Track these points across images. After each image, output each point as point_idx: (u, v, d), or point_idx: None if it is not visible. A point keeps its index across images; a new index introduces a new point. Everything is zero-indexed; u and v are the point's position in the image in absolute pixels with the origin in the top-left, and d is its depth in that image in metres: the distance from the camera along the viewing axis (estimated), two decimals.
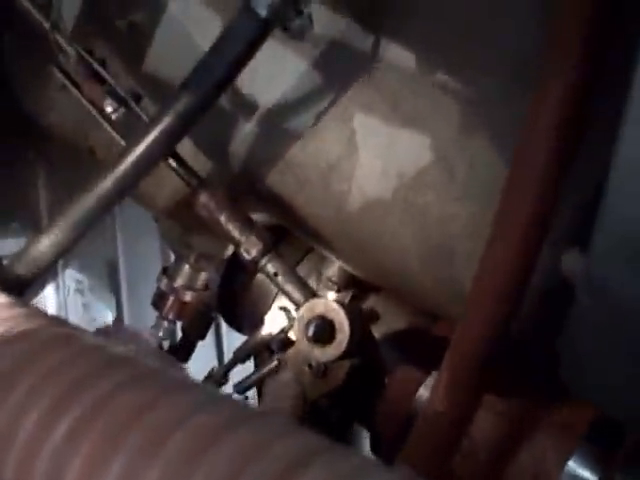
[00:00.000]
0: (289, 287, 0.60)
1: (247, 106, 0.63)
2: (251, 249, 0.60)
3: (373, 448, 0.78)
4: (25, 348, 0.37)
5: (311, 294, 0.60)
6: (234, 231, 0.61)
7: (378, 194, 0.60)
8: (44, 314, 0.43)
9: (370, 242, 0.62)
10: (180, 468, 0.31)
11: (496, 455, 0.65)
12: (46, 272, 0.58)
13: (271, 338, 0.78)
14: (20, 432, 0.33)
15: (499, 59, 0.56)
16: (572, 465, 0.64)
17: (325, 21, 0.58)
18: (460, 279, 0.58)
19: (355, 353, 0.60)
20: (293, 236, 0.77)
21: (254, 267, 0.61)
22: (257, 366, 0.85)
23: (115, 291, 1.06)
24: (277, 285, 0.60)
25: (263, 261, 0.60)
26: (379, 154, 0.59)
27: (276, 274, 0.60)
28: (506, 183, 0.48)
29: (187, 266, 0.79)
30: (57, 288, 1.00)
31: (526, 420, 0.66)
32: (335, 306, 0.58)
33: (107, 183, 0.56)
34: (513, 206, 0.48)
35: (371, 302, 0.78)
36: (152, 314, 0.87)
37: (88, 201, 0.56)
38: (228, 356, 1.22)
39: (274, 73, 0.61)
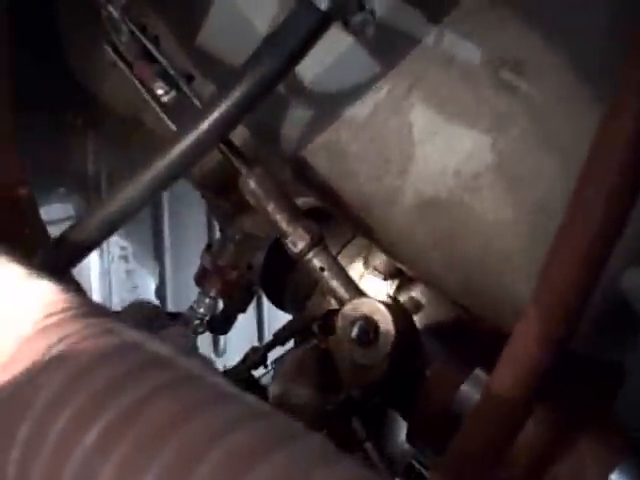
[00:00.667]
0: (334, 283, 0.58)
1: (301, 90, 0.61)
2: (298, 242, 0.59)
3: (409, 438, 0.77)
4: (57, 342, 0.35)
5: (357, 292, 0.58)
6: (281, 222, 0.59)
7: (433, 193, 0.58)
8: (83, 301, 0.41)
9: (420, 240, 0.60)
10: None
11: (536, 462, 0.63)
12: (94, 248, 0.58)
13: (313, 322, 0.77)
14: (49, 435, 0.32)
15: (571, 59, 0.53)
16: (615, 479, 0.63)
17: (388, 8, 0.55)
18: (514, 289, 0.55)
19: (398, 354, 0.59)
20: (340, 219, 0.75)
21: (300, 260, 0.59)
22: (297, 346, 0.85)
23: (159, 259, 1.06)
24: (323, 280, 0.59)
25: (309, 255, 0.59)
26: (437, 150, 0.57)
27: (322, 269, 0.59)
28: (573, 197, 0.46)
29: (232, 245, 0.78)
30: (101, 254, 1.01)
31: (569, 429, 0.64)
32: (381, 308, 0.56)
33: (156, 169, 0.54)
34: (577, 222, 0.45)
35: (415, 292, 0.76)
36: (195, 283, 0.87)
37: (137, 185, 0.55)
38: (268, 326, 1.22)
39: (331, 58, 0.58)
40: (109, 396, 0.32)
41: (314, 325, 0.79)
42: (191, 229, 1.07)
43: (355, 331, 0.55)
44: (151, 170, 0.55)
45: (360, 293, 0.58)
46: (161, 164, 0.54)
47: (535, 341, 0.47)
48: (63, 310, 0.38)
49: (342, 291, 0.58)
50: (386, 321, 0.56)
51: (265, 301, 1.15)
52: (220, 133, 0.55)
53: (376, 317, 0.56)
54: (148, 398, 0.32)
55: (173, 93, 0.57)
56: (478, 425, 0.49)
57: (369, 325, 0.56)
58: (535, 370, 0.47)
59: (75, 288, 0.65)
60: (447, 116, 0.56)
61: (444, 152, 0.57)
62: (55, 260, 0.58)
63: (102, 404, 0.32)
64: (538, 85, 0.55)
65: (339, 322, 0.57)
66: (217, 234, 1.04)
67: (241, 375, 0.78)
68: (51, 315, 0.37)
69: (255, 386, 0.81)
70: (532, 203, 0.54)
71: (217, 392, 0.34)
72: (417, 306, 0.76)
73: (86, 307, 0.38)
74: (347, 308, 0.57)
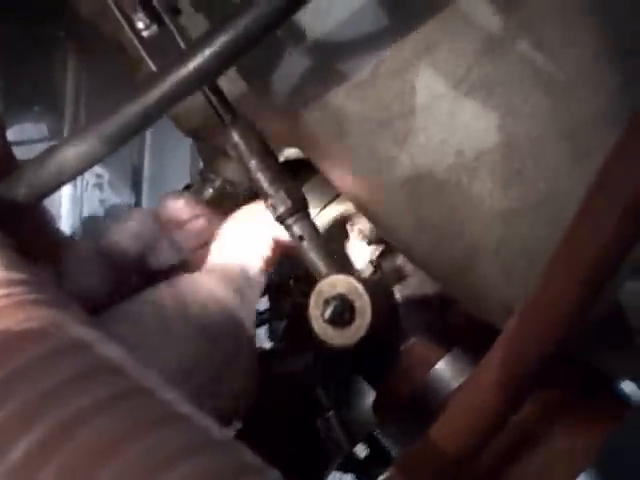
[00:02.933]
0: (313, 255, 0.54)
1: (298, 37, 0.55)
2: (278, 206, 0.54)
3: (374, 409, 0.75)
4: None
5: (335, 268, 0.54)
6: (263, 182, 0.55)
7: (429, 168, 0.53)
8: (33, 282, 0.36)
9: (407, 215, 0.56)
10: None
11: (500, 457, 0.61)
12: (68, 182, 0.53)
13: (290, 279, 0.73)
14: None
15: (596, 42, 0.47)
16: None
17: None
18: (501, 286, 0.51)
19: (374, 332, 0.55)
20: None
21: (280, 224, 0.55)
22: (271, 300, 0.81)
23: (136, 192, 1.01)
24: (300, 250, 0.54)
25: (289, 221, 0.54)
26: (439, 123, 0.52)
27: (301, 237, 0.54)
28: (585, 200, 0.41)
29: (210, 189, 0.73)
30: (75, 180, 0.95)
31: (540, 427, 0.61)
32: (360, 288, 0.52)
33: (133, 109, 0.49)
34: (587, 229, 0.41)
35: (400, 260, 0.72)
36: None
37: (115, 121, 0.49)
38: None
39: (339, 9, 0.53)
40: (42, 407, 0.28)
41: (291, 282, 0.75)
42: (173, 163, 1.01)
43: (329, 311, 0.51)
44: (126, 110, 0.50)
45: (338, 269, 0.54)
46: (135, 107, 0.49)
47: (523, 350, 0.43)
48: (6, 295, 0.33)
49: (320, 265, 0.54)
50: (363, 302, 0.52)
51: None
52: (203, 80, 0.50)
53: (353, 297, 0.52)
54: (86, 414, 0.28)
55: (155, 28, 0.51)
56: (450, 430, 0.46)
57: (344, 305, 0.51)
58: (523, 379, 0.44)
59: (44, 222, 0.60)
60: (455, 88, 0.51)
61: (447, 127, 0.52)
62: (21, 191, 0.53)
63: (33, 416, 0.28)
64: (567, 66, 0.49)
65: (312, 299, 0.52)
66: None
67: None
68: None
69: None
70: (535, 196, 0.49)
71: (166, 413, 0.30)
72: (400, 275, 0.72)
73: (35, 292, 0.34)
74: (322, 284, 0.53)
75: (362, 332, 0.51)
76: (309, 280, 0.72)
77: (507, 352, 0.45)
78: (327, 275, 0.53)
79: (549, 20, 0.50)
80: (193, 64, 0.48)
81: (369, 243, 0.71)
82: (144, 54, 0.53)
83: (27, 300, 0.34)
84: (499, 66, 0.50)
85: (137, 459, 0.27)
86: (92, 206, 0.98)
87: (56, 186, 0.52)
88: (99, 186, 0.97)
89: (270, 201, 0.54)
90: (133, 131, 0.49)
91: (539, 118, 0.50)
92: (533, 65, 0.49)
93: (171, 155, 1.01)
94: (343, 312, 0.51)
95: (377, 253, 0.72)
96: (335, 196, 0.73)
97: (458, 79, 0.51)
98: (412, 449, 0.49)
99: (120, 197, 1.00)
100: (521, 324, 0.44)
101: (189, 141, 0.97)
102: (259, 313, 0.77)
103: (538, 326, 0.42)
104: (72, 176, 0.52)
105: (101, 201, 0.98)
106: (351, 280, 0.52)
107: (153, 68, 0.53)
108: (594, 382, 0.64)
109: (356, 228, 0.71)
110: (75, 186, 0.95)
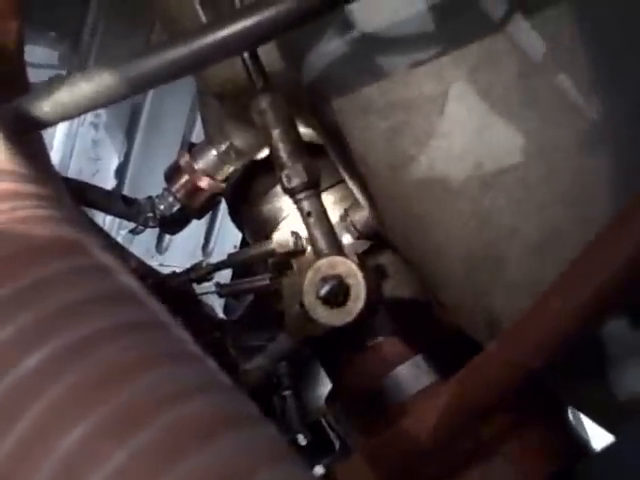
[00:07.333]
0: (317, 233, 0.55)
1: (342, 25, 0.56)
2: (293, 178, 0.55)
3: (328, 400, 0.76)
4: (11, 248, 0.30)
5: (337, 249, 0.55)
6: (283, 152, 0.55)
7: (446, 174, 0.54)
8: (56, 195, 0.36)
9: (414, 217, 0.57)
10: (152, 464, 0.26)
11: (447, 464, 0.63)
12: (71, 118, 0.52)
13: (270, 256, 0.74)
14: None
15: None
16: None
17: None
18: (494, 304, 0.53)
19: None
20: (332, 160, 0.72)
21: (290, 197, 0.56)
22: (244, 276, 0.81)
23: (130, 138, 1.00)
24: (306, 226, 0.55)
25: (301, 195, 0.55)
26: (464, 133, 0.53)
27: (309, 214, 0.55)
28: (604, 231, 0.43)
29: (214, 152, 0.73)
30: None
31: (486, 446, 0.63)
32: (359, 275, 0.53)
33: (169, 56, 0.49)
34: (598, 259, 0.42)
35: (384, 259, 0.74)
36: (157, 173, 0.82)
37: (142, 66, 0.49)
38: (216, 237, 1.18)
39: (386, 8, 0.54)
40: (61, 322, 0.28)
41: (270, 260, 0.75)
42: (171, 118, 1.00)
43: (325, 289, 0.52)
44: (158, 58, 0.48)
45: (340, 251, 0.55)
46: (172, 55, 0.48)
47: (505, 366, 0.45)
48: (35, 206, 0.33)
49: (323, 243, 0.55)
50: (359, 288, 0.53)
51: (220, 212, 1.11)
52: (250, 43, 0.50)
53: (350, 281, 0.53)
54: (104, 335, 0.28)
55: None
56: (421, 427, 0.47)
57: (341, 287, 0.52)
58: (500, 392, 0.45)
59: (39, 149, 0.60)
60: (488, 104, 0.52)
61: (472, 138, 0.53)
62: (45, 109, 0.52)
63: (51, 329, 0.28)
64: (589, 102, 0.51)
65: (309, 275, 0.53)
66: (195, 131, 0.99)
67: (182, 285, 0.74)
68: (16, 209, 0.33)
69: (192, 300, 0.78)
70: (546, 221, 0.51)
71: (182, 349, 0.30)
72: (382, 274, 0.73)
73: (59, 209, 0.33)
74: (322, 262, 0.53)
75: (352, 316, 0.52)
76: (288, 263, 0.73)
77: (489, 369, 0.46)
78: (327, 255, 0.54)
79: (589, 58, 0.52)
80: (245, 23, 0.48)
81: (358, 237, 0.73)
82: (196, 4, 0.53)
83: (54, 216, 0.33)
84: (534, 92, 0.52)
85: (151, 387, 0.27)
86: (84, 144, 0.96)
87: (79, 112, 0.51)
88: (95, 125, 0.96)
89: (286, 172, 0.55)
90: (165, 76, 0.48)
91: (563, 151, 0.51)
92: (566, 98, 0.51)
93: (170, 110, 1.01)
94: (338, 293, 0.52)
95: (363, 248, 0.73)
96: (337, 182, 0.74)
97: (493, 96, 0.52)
98: (379, 439, 0.51)
99: (113, 141, 0.99)
100: (513, 341, 0.45)
101: (190, 99, 0.97)
102: (232, 283, 0.78)
103: (526, 349, 0.43)
104: (94, 106, 0.52)
105: (94, 141, 0.97)
106: (351, 264, 0.53)
107: (203, 19, 0.53)
108: (546, 410, 0.67)
109: (349, 219, 0.72)
110: (72, 120, 0.93)
